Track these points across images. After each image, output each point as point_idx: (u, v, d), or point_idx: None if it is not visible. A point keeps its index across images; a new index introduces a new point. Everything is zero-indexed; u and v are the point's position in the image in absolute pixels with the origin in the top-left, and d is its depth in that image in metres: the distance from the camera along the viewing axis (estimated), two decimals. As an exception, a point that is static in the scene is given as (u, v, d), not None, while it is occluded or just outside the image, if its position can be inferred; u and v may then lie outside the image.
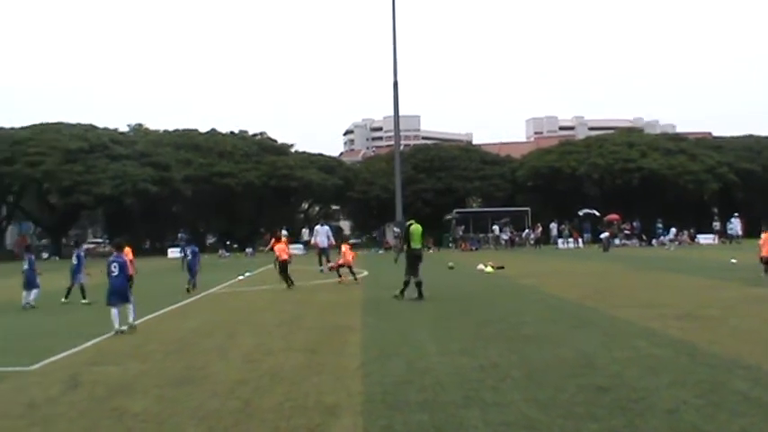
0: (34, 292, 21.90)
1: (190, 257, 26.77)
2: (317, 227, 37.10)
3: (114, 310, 15.48)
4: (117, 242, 18.66)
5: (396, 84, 73.65)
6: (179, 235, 67.41)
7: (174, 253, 65.07)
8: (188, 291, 24.99)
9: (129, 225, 75.87)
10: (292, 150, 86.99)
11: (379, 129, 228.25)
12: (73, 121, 78.16)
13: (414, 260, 21.09)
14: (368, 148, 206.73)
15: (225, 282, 29.46)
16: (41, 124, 76.27)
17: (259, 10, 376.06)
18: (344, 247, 29.15)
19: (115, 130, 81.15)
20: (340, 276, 27.85)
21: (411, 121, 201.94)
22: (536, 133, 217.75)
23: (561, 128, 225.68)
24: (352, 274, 27.68)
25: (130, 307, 15.87)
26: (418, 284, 20.71)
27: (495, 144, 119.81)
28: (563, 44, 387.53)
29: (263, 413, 8.35)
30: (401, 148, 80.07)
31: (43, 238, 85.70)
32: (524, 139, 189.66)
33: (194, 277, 26.04)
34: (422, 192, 79.72)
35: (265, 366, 11.20)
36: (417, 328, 14.89)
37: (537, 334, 13.64)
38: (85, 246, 23.97)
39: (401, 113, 77.15)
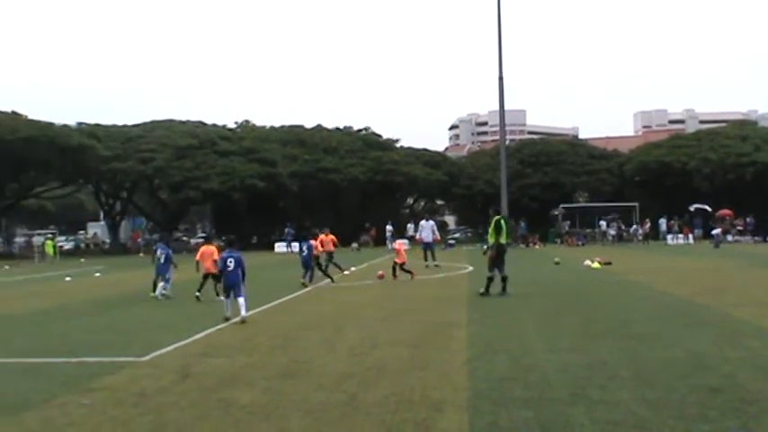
0: (160, 285, 22.81)
1: (305, 253, 26.93)
2: (423, 222, 37.19)
3: (227, 300, 16.52)
4: (230, 239, 19.59)
5: (501, 78, 73.02)
6: (286, 230, 68.37)
7: (280, 247, 66.03)
8: (304, 285, 25.36)
9: (237, 220, 77.11)
10: (397, 146, 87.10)
11: (485, 123, 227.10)
12: (183, 118, 79.97)
13: (501, 255, 20.92)
14: (473, 142, 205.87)
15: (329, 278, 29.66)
16: (152, 122, 78.22)
17: (364, 5, 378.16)
18: (397, 245, 29.37)
19: (223, 126, 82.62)
20: (409, 272, 27.65)
21: (516, 116, 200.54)
22: (644, 127, 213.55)
23: (671, 121, 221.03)
24: (404, 271, 27.65)
25: (241, 301, 16.32)
26: (504, 279, 20.72)
27: (601, 138, 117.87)
28: (672, 35, 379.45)
29: (368, 407, 8.37)
30: (507, 142, 79.53)
31: (155, 232, 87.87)
32: (632, 133, 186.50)
33: (310, 271, 26.42)
34: (528, 187, 79.03)
35: (371, 360, 11.24)
36: (523, 325, 14.76)
37: (646, 332, 13.36)
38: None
39: (506, 108, 76.53)
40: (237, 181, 69.09)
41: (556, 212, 71.76)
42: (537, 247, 63.04)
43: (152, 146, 70.03)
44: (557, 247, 61.74)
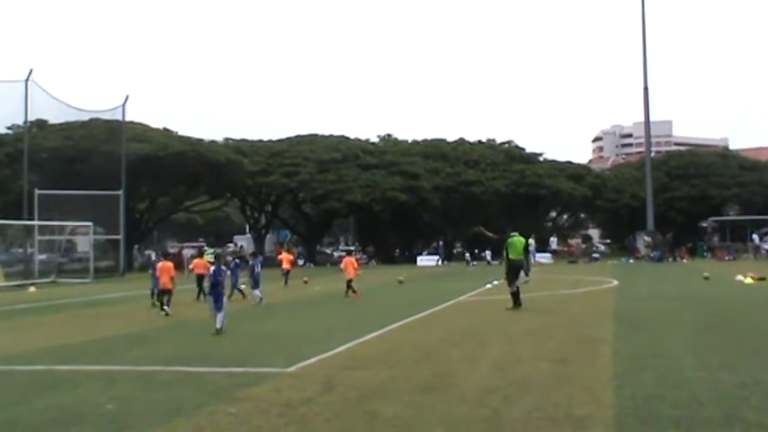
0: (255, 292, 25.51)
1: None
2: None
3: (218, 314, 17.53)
4: (217, 253, 21.46)
5: (646, 88, 71.78)
6: (439, 243, 68.86)
7: (423, 261, 66.33)
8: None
9: (380, 233, 77.69)
10: (541, 159, 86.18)
11: (629, 135, 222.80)
12: (326, 133, 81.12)
13: (513, 270, 22.13)
14: (617, 155, 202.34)
15: (473, 290, 29.58)
16: (297, 137, 79.60)
17: (504, 19, 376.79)
18: (345, 260, 29.03)
19: (366, 140, 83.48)
20: (354, 292, 27.38)
21: (662, 127, 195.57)
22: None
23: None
24: (348, 288, 27.49)
25: (219, 315, 17.29)
26: (514, 294, 21.75)
27: (754, 149, 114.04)
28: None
29: (512, 422, 8.27)
30: (652, 154, 77.80)
31: (299, 245, 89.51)
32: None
33: None
34: (675, 200, 77.11)
35: (514, 375, 11.12)
36: (672, 341, 14.39)
37: (804, 350, 12.80)
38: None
39: (652, 119, 75.04)
40: (379, 193, 69.60)
41: (705, 225, 69.74)
42: (685, 260, 61.43)
43: (296, 160, 71.33)
44: (705, 260, 59.97)
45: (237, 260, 29.46)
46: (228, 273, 23.05)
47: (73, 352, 14.89)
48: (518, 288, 21.79)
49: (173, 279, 22.86)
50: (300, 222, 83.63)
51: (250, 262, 26.96)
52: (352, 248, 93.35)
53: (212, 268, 18.87)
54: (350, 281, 27.57)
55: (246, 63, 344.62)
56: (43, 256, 51.43)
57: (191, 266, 29.29)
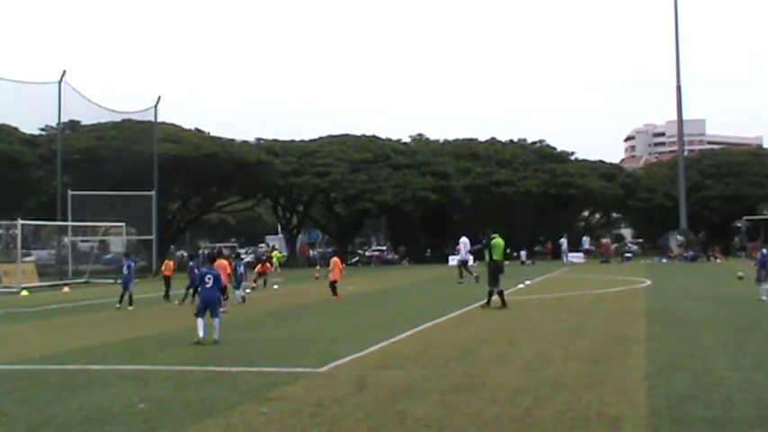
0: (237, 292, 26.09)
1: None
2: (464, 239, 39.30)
3: (201, 321, 15.75)
4: (212, 255, 21.64)
5: (679, 87, 71.37)
6: (481, 242, 68.58)
7: (455, 261, 66.13)
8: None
9: (411, 233, 77.49)
10: (572, 158, 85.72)
11: (662, 134, 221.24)
12: (358, 132, 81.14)
13: (495, 271, 22.63)
14: (649, 153, 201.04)
15: (505, 290, 29.48)
16: (328, 137, 79.68)
17: (537, 17, 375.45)
18: (333, 261, 28.99)
19: (398, 140, 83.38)
20: (335, 294, 27.03)
21: (695, 125, 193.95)
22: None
23: None
24: (332, 289, 27.15)
25: (216, 322, 15.83)
26: (500, 293, 22.23)
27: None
28: None
29: (543, 422, 8.25)
30: (685, 153, 77.28)
31: (330, 245, 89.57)
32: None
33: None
34: (708, 199, 76.40)
35: (546, 375, 11.09)
36: (705, 341, 14.30)
37: (839, 350, 12.67)
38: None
39: (685, 117, 74.56)
40: (410, 193, 69.56)
41: (738, 225, 69.15)
42: (719, 260, 60.95)
43: (328, 160, 71.38)
44: (739, 260, 59.42)
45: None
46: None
47: (106, 352, 15.01)
48: (500, 291, 22.30)
49: (227, 277, 23.05)
50: (332, 222, 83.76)
51: (233, 263, 26.93)
52: (384, 248, 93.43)
53: (202, 270, 17.39)
54: (334, 282, 27.35)
55: (278, 63, 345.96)
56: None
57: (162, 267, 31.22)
